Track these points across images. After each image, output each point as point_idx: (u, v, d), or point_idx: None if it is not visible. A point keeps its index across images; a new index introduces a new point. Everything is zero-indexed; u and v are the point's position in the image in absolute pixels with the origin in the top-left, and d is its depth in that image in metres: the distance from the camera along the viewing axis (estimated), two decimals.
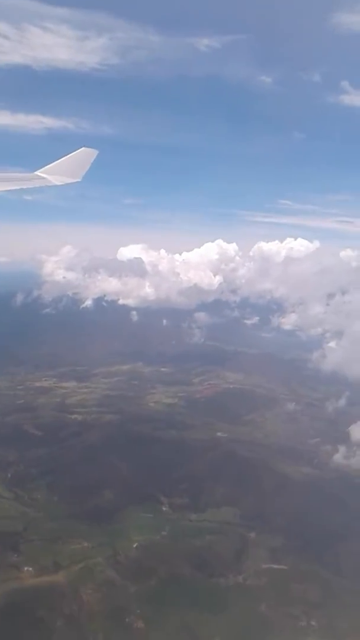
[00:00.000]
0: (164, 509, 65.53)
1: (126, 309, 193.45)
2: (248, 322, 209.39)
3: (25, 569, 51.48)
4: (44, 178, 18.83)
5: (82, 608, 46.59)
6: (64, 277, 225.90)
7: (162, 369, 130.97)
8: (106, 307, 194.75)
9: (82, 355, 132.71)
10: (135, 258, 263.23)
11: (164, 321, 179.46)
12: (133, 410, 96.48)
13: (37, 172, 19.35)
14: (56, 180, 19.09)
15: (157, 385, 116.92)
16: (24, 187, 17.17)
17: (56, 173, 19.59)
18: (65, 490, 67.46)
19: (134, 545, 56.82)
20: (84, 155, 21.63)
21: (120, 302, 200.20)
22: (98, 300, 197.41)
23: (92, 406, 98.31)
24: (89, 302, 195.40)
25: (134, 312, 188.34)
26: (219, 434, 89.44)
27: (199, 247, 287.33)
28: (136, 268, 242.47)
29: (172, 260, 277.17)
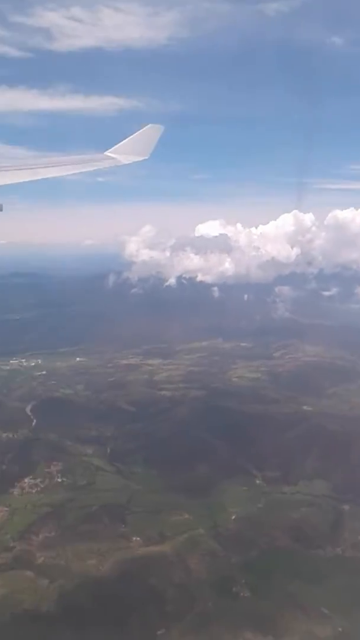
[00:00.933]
0: (257, 482, 67.58)
1: (207, 285, 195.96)
2: (326, 294, 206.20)
3: (134, 539, 55.35)
4: (113, 158, 18.96)
5: (190, 577, 49.68)
6: (151, 257, 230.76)
7: (242, 344, 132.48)
8: (188, 285, 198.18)
9: (164, 332, 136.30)
10: (221, 234, 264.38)
11: (245, 296, 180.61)
12: (218, 385, 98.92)
13: (106, 153, 19.54)
14: (125, 159, 19.23)
15: (238, 360, 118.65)
16: (94, 168, 17.22)
17: (124, 152, 19.71)
18: (162, 464, 70.95)
19: (232, 517, 59.44)
20: (150, 132, 21.52)
21: (202, 278, 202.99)
22: (180, 278, 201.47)
23: (178, 382, 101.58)
24: (172, 281, 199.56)
25: (215, 288, 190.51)
26: (304, 407, 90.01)
27: (275, 220, 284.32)
28: (222, 244, 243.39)
29: (250, 234, 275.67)
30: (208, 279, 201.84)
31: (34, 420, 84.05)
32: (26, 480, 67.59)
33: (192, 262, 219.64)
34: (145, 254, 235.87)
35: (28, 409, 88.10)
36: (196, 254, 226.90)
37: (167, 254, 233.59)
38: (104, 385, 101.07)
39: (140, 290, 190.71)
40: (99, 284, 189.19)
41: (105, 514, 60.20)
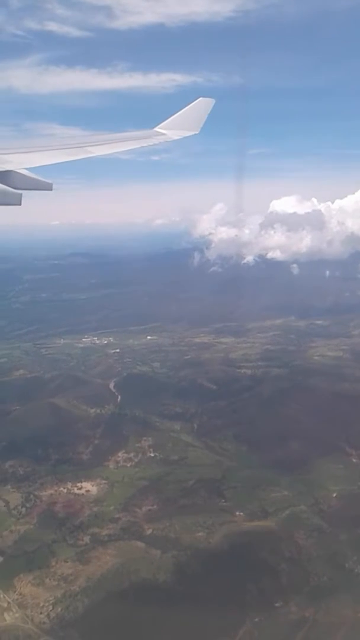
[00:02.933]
0: (354, 460, 66.58)
1: (286, 262, 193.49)
2: None
3: (237, 513, 55.54)
4: (162, 134, 18.26)
5: (300, 552, 49.51)
6: (236, 235, 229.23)
7: (317, 322, 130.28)
8: (266, 262, 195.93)
9: (235, 311, 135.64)
10: (314, 211, 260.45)
11: (327, 272, 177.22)
12: (299, 363, 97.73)
13: (156, 129, 18.84)
14: (174, 134, 18.49)
15: (315, 338, 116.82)
16: (144, 144, 16.59)
17: (174, 127, 18.94)
18: (252, 440, 70.83)
19: (334, 495, 58.80)
20: (200, 106, 20.55)
21: (281, 256, 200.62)
22: (259, 256, 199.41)
23: (256, 360, 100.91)
24: (250, 258, 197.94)
25: (294, 265, 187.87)
26: None
27: (353, 194, 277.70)
28: (315, 221, 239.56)
29: (329, 209, 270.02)
30: (286, 256, 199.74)
31: (119, 397, 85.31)
32: (120, 454, 68.88)
33: (271, 240, 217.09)
34: (222, 232, 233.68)
35: (111, 385, 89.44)
36: (288, 231, 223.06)
37: (247, 231, 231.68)
38: (181, 363, 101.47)
39: (215, 268, 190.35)
40: (165, 263, 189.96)
41: (202, 489, 60.69)
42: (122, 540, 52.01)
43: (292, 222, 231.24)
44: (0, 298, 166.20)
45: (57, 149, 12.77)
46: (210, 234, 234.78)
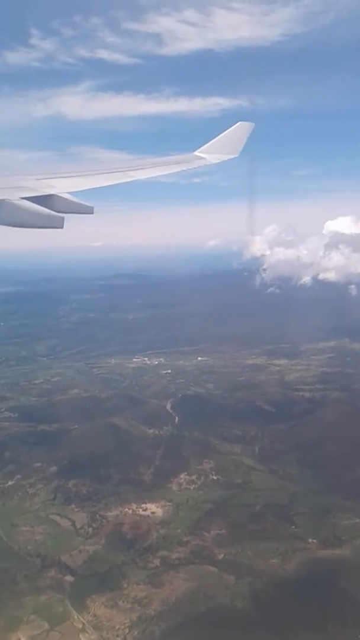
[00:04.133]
0: None
1: (344, 284, 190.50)
2: None
3: (310, 540, 54.00)
4: (201, 157, 18.32)
5: None
6: (298, 257, 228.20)
7: None
8: (324, 283, 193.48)
9: (287, 332, 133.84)
10: None
11: None
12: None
13: (195, 153, 18.89)
14: (214, 158, 18.56)
15: None
16: (184, 168, 16.58)
17: (213, 151, 19.02)
18: (317, 465, 69.17)
19: None
20: (240, 130, 20.55)
21: (339, 277, 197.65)
22: (317, 277, 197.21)
23: (313, 383, 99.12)
24: (306, 279, 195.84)
25: (352, 287, 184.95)
26: None
27: None
28: None
29: None
30: (345, 277, 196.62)
31: (176, 417, 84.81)
32: (182, 476, 68.16)
33: (330, 261, 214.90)
34: (279, 253, 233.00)
35: (168, 406, 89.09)
36: (353, 251, 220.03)
37: (304, 252, 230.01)
38: (235, 385, 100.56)
39: (273, 289, 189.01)
40: (214, 284, 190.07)
41: (270, 514, 59.40)
42: (194, 565, 51.10)
43: (356, 243, 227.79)
44: (50, 318, 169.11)
45: (99, 174, 13.03)
46: (262, 255, 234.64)
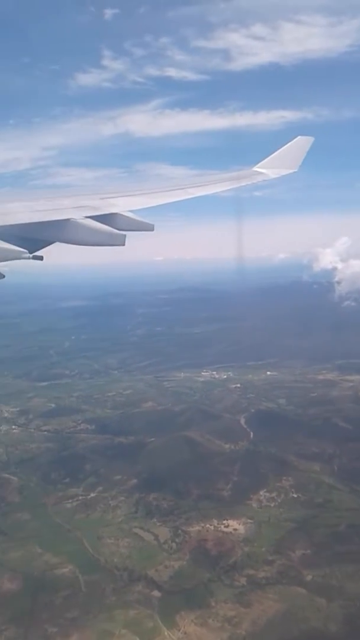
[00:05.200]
0: None
1: None
2: None
3: None
4: (261, 173, 18.38)
5: None
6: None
7: None
8: None
9: (357, 347, 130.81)
10: None
11: None
12: None
13: (254, 168, 18.90)
14: (273, 173, 18.62)
15: None
16: (242, 184, 16.67)
17: (272, 166, 19.09)
18: None
19: None
20: (299, 144, 20.67)
21: None
22: None
23: None
24: None
25: None
26: None
27: None
28: None
29: None
30: None
31: (251, 433, 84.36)
32: (261, 493, 67.70)
33: None
34: (355, 265, 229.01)
35: (242, 421, 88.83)
36: None
37: None
38: (308, 401, 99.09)
39: (347, 302, 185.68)
40: (282, 297, 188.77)
41: (356, 535, 58.00)
42: (281, 585, 50.56)
43: None
44: (118, 331, 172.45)
45: (160, 192, 13.27)
46: (334, 267, 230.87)
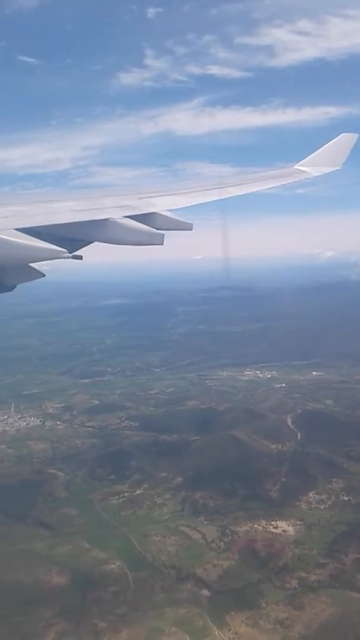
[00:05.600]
0: None
1: None
2: None
3: None
4: (302, 171, 18.12)
5: None
6: None
7: None
8: None
9: None
10: None
11: None
12: None
13: (296, 166, 18.58)
14: (315, 171, 18.27)
15: None
16: (284, 182, 16.39)
17: (315, 164, 18.73)
18: None
19: None
20: (343, 142, 19.96)
21: None
22: None
23: None
24: None
25: None
26: None
27: None
28: None
29: None
30: None
31: (298, 434, 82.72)
32: (310, 494, 66.26)
33: None
34: None
35: (289, 421, 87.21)
36: None
37: None
38: (357, 402, 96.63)
39: None
40: (327, 295, 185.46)
41: None
42: (334, 589, 49.19)
43: None
44: (159, 329, 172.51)
45: (199, 191, 13.30)
46: None
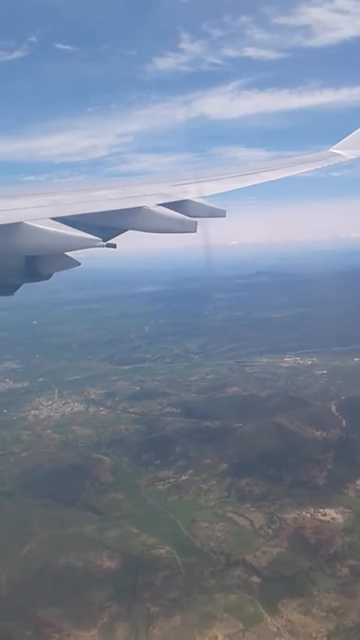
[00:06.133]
0: None
1: None
2: None
3: None
4: (337, 154, 17.80)
5: None
6: None
7: None
8: None
9: None
10: None
11: None
12: None
13: (331, 149, 18.12)
14: (350, 154, 17.87)
15: None
16: (318, 166, 16.23)
17: (350, 147, 18.24)
18: None
19: None
20: None
21: None
22: None
23: None
24: None
25: None
26: None
27: None
28: None
29: None
30: None
31: (343, 421, 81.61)
32: (358, 482, 65.47)
33: None
34: None
35: (333, 409, 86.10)
36: None
37: None
38: None
39: None
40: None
41: None
42: None
43: None
44: (196, 316, 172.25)
45: (233, 176, 13.26)
46: None
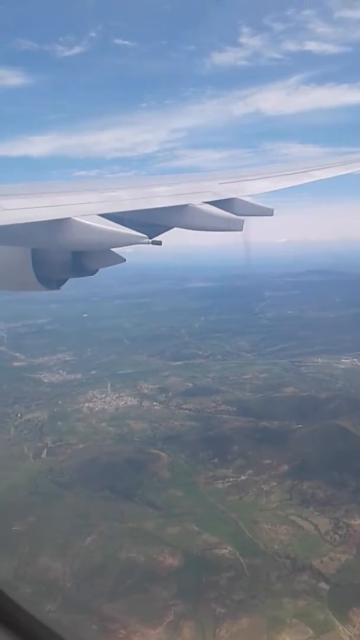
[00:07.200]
0: None
1: None
2: None
3: None
4: None
5: None
6: None
7: None
8: None
9: None
10: None
11: None
12: None
13: None
14: None
15: None
16: (357, 168, 15.34)
17: None
18: None
19: None
20: None
21: None
22: None
23: None
24: None
25: None
26: None
27: None
28: None
29: None
30: None
31: None
32: None
33: None
34: None
35: None
36: None
37: None
38: None
39: None
40: None
41: None
42: None
43: None
44: (247, 313, 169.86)
45: (281, 175, 13.12)
46: None
